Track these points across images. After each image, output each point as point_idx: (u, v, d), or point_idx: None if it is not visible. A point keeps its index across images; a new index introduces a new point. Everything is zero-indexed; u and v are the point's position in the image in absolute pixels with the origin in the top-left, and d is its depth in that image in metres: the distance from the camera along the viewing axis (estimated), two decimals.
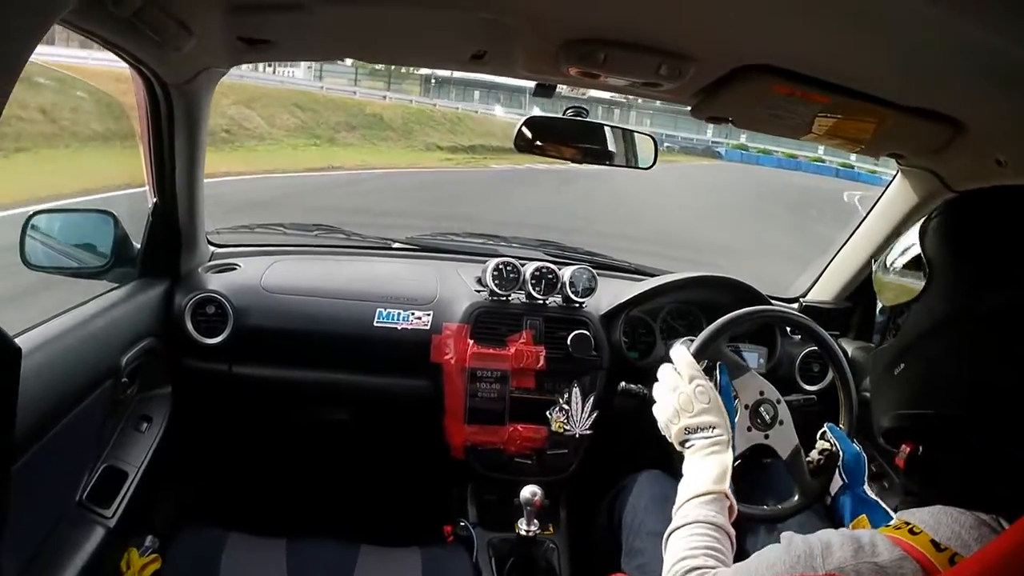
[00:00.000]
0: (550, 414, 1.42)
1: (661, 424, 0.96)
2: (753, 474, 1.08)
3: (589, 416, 1.43)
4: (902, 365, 0.66)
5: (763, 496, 1.07)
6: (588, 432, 1.43)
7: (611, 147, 1.42)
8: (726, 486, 0.85)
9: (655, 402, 1.31)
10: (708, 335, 1.08)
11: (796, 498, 1.11)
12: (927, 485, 0.64)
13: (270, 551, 1.23)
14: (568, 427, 1.43)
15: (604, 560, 1.29)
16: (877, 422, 0.69)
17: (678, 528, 0.81)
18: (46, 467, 0.92)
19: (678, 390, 0.94)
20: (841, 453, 1.04)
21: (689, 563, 0.75)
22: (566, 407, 1.43)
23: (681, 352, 0.98)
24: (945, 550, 0.57)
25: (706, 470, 0.86)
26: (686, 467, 0.89)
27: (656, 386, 0.98)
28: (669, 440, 0.95)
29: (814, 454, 1.10)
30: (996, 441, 0.58)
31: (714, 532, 0.79)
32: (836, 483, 1.05)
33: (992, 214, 0.65)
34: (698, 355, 1.04)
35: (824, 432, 1.10)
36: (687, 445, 0.91)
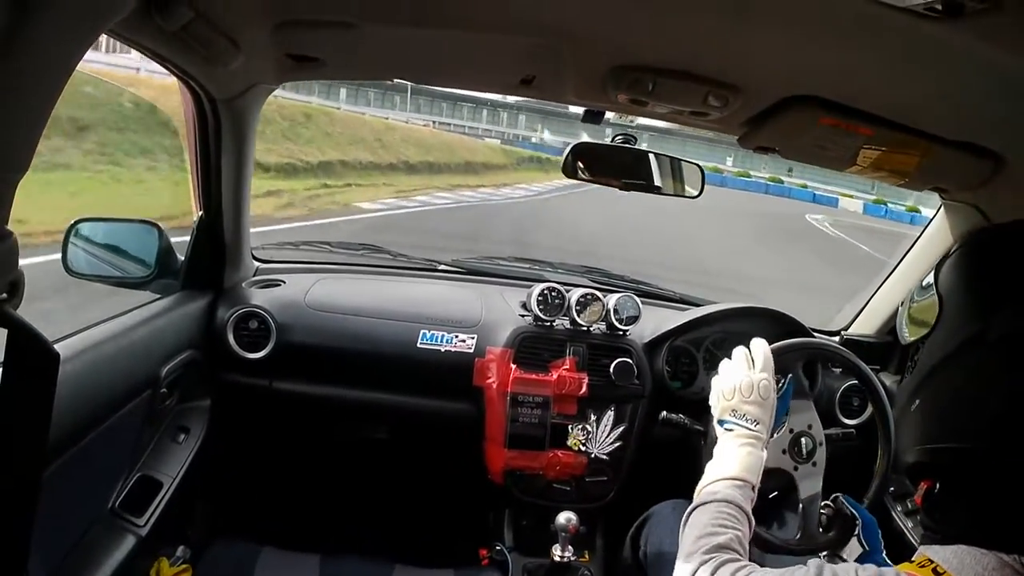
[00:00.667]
0: (571, 430, 1.41)
1: (712, 396, 0.96)
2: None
3: (612, 441, 1.42)
4: (917, 400, 0.66)
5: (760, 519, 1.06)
6: (605, 456, 1.42)
7: (658, 175, 1.42)
8: (753, 479, 0.84)
9: (697, 430, 1.31)
10: (787, 346, 1.09)
11: (798, 537, 1.09)
12: (945, 524, 0.63)
13: (303, 567, 1.23)
14: (585, 447, 1.41)
15: None
16: (901, 459, 0.69)
17: (704, 504, 0.80)
18: (80, 473, 0.92)
19: (745, 373, 0.94)
20: (859, 520, 1.04)
21: (716, 540, 0.74)
22: (589, 427, 1.42)
23: (762, 344, 0.98)
24: None
25: (740, 458, 0.86)
26: (718, 449, 0.89)
27: (725, 362, 0.98)
28: (712, 412, 0.95)
29: (825, 513, 1.09)
30: (1011, 475, 0.57)
31: (739, 515, 0.79)
32: (856, 550, 1.04)
33: (1004, 244, 0.66)
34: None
35: (837, 499, 1.09)
36: (726, 427, 0.91)
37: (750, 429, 0.89)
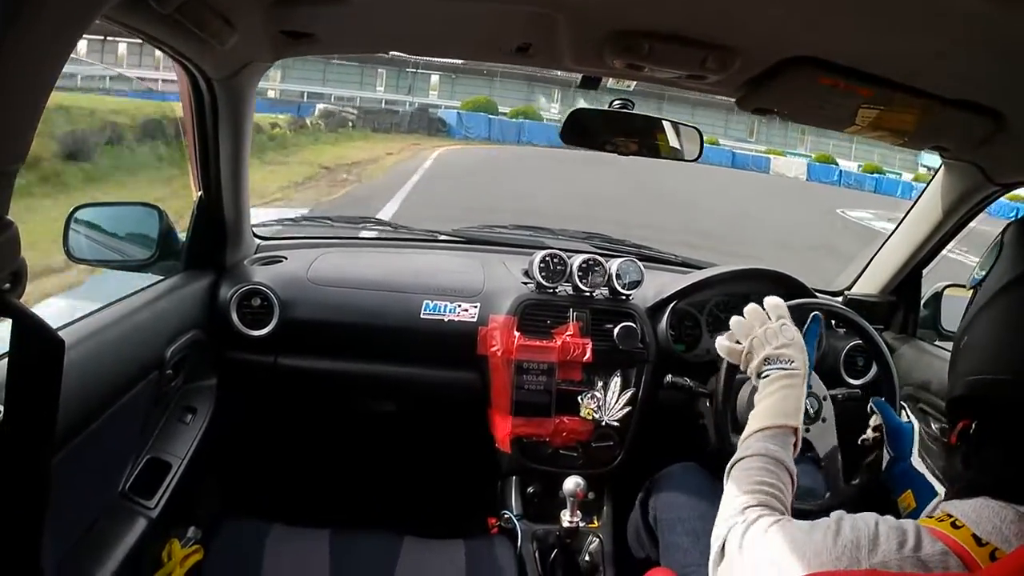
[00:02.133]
0: (581, 399, 1.41)
1: (742, 360, 0.97)
2: None
3: (622, 407, 1.43)
4: (965, 338, 0.69)
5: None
6: (616, 423, 1.42)
7: (657, 139, 1.41)
8: (797, 421, 0.85)
9: (702, 393, 1.31)
10: (791, 306, 1.09)
11: (827, 496, 1.10)
12: (973, 466, 0.64)
13: (313, 543, 1.23)
14: (597, 415, 1.42)
15: (640, 554, 1.28)
16: (948, 398, 0.71)
17: (739, 460, 0.82)
18: (89, 458, 0.92)
19: (764, 324, 0.96)
20: (888, 427, 1.06)
21: (745, 500, 0.75)
22: (599, 395, 1.42)
23: (773, 298, 1.00)
24: (986, 545, 0.57)
25: (776, 402, 0.87)
26: (758, 397, 0.90)
27: (736, 320, 0.99)
28: (748, 371, 0.96)
29: (869, 432, 1.10)
30: None
31: (773, 467, 0.79)
32: (884, 457, 1.05)
33: None
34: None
35: (870, 405, 1.10)
36: (762, 375, 0.92)
37: (786, 368, 0.91)
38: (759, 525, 0.70)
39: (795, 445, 0.84)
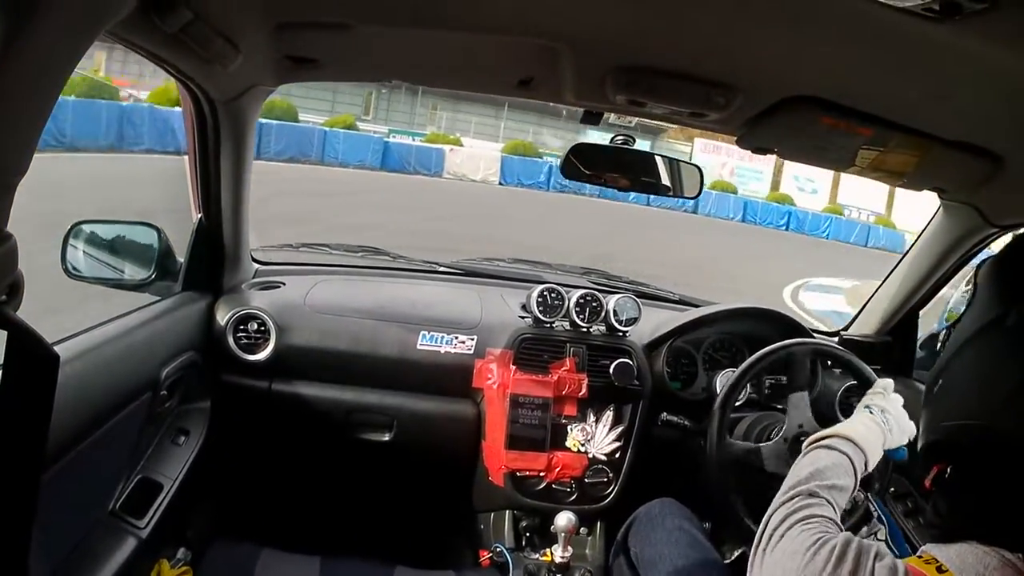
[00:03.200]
0: (570, 430, 1.41)
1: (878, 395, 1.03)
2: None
3: (611, 441, 1.42)
4: (940, 382, 0.69)
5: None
6: (603, 456, 1.42)
7: (658, 175, 1.42)
8: (867, 456, 0.87)
9: (697, 431, 1.32)
10: (786, 345, 1.21)
11: None
12: (951, 514, 0.64)
13: (303, 568, 1.22)
14: (584, 447, 1.41)
15: None
16: (920, 445, 0.71)
17: (824, 447, 0.85)
18: (80, 475, 0.92)
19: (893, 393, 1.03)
20: (884, 524, 1.10)
21: (811, 484, 0.77)
22: (588, 428, 1.42)
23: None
24: None
25: (866, 432, 0.91)
26: (853, 417, 0.98)
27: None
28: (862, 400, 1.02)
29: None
30: (1019, 457, 0.59)
31: (848, 470, 0.82)
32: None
33: None
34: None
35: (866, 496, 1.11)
36: (868, 409, 0.98)
37: (880, 423, 0.94)
38: (789, 522, 0.72)
39: (858, 472, 0.86)
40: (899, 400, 1.01)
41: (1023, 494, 0.58)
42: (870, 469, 0.88)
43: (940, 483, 0.66)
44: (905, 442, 0.97)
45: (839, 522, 0.73)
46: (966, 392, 0.65)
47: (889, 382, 1.04)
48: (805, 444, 0.89)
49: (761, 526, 0.74)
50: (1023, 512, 0.58)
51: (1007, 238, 1.12)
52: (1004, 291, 0.66)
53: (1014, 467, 0.59)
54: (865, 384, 1.27)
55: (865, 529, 1.14)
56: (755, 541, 0.74)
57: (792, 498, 0.76)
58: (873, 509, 1.10)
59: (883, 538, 1.10)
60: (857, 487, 0.85)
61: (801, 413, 1.21)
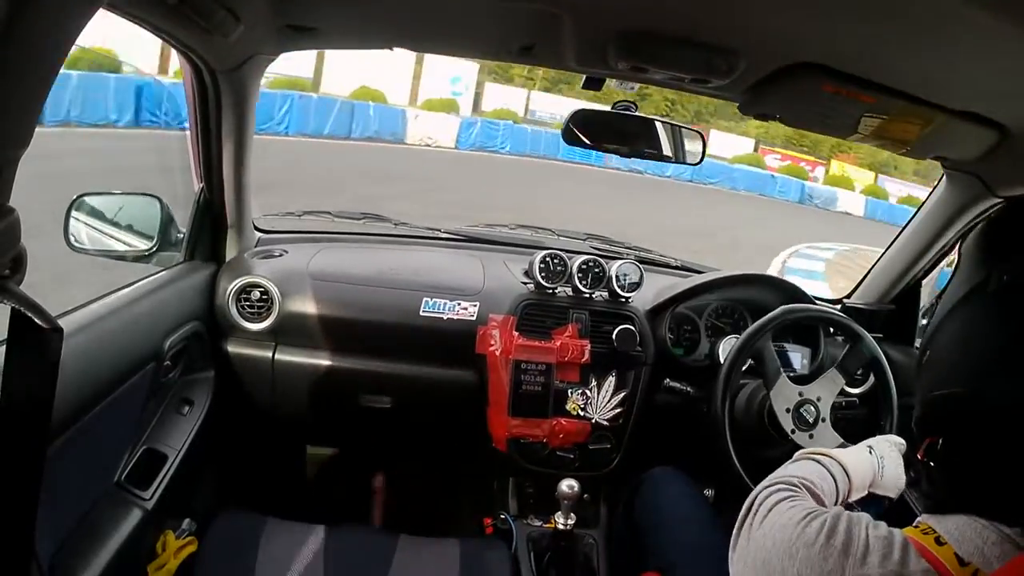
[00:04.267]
0: (572, 395, 1.41)
1: (886, 441, 1.00)
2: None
3: (613, 407, 1.43)
4: (928, 353, 0.68)
5: None
6: (605, 422, 1.42)
7: (659, 142, 1.41)
8: (853, 486, 0.88)
9: (699, 397, 1.32)
10: (788, 310, 1.18)
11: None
12: (946, 488, 0.63)
13: (308, 537, 1.22)
14: (584, 412, 1.42)
15: (628, 559, 1.28)
16: (915, 416, 0.70)
17: (811, 459, 0.86)
18: (86, 447, 0.92)
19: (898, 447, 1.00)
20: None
21: (791, 478, 0.78)
22: (589, 393, 1.42)
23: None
24: (968, 565, 0.57)
25: (859, 462, 0.91)
26: (854, 448, 0.96)
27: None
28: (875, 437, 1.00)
29: None
30: (1000, 422, 0.58)
31: (831, 480, 0.83)
32: None
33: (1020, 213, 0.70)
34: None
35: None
36: (872, 451, 0.96)
37: (875, 465, 0.93)
38: (772, 499, 0.72)
39: (842, 494, 0.86)
40: (900, 458, 0.99)
41: (1015, 466, 0.57)
42: (851, 500, 0.88)
43: (933, 455, 0.65)
44: (892, 496, 0.96)
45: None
46: (950, 361, 0.64)
47: (901, 441, 1.02)
48: (796, 454, 0.89)
49: (745, 505, 0.74)
50: (1017, 485, 0.58)
51: None
52: (986, 257, 0.66)
53: (1001, 436, 0.58)
54: (868, 352, 1.28)
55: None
56: (739, 518, 0.73)
57: (777, 483, 0.76)
58: None
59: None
60: (844, 497, 0.86)
61: (785, 391, 1.22)
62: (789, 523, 0.66)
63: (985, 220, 0.72)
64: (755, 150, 21.96)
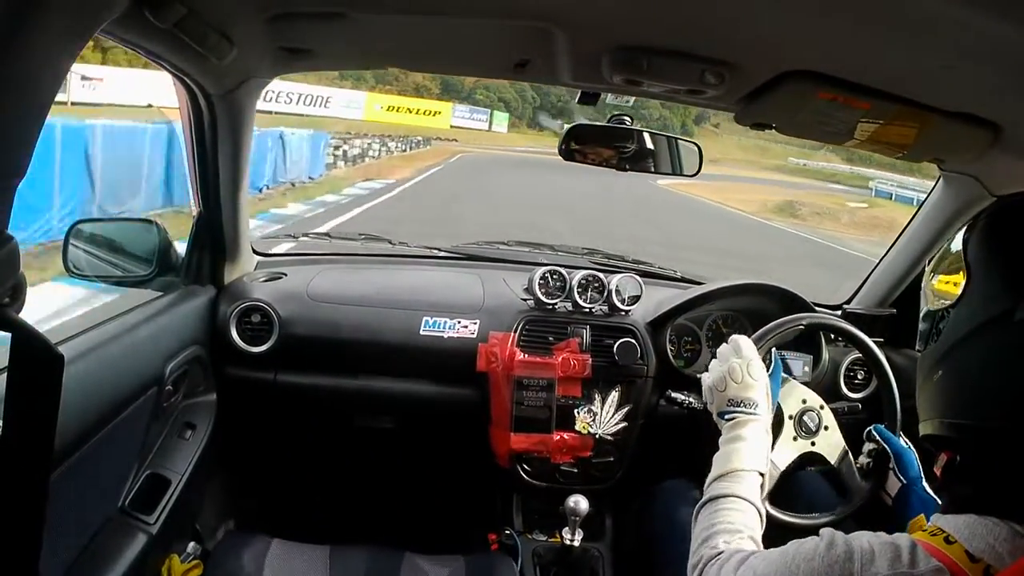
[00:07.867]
0: (577, 413, 1.41)
1: (706, 394, 0.97)
2: (787, 484, 1.08)
3: (617, 421, 1.42)
4: (940, 372, 0.66)
5: (794, 506, 1.06)
6: (610, 436, 1.42)
7: (655, 154, 1.41)
8: (760, 466, 0.85)
9: (702, 409, 1.31)
10: (788, 320, 1.13)
11: (847, 502, 1.10)
12: (965, 495, 0.63)
13: (313, 558, 1.22)
14: (592, 428, 1.41)
15: (636, 571, 1.28)
16: (920, 428, 0.69)
17: (708, 501, 0.82)
18: (89, 474, 0.92)
19: (730, 362, 0.95)
20: (891, 453, 1.05)
21: (719, 540, 0.75)
22: (595, 408, 1.42)
23: (741, 336, 1.00)
24: (979, 561, 0.57)
25: (740, 448, 0.86)
26: (722, 441, 0.90)
27: (712, 361, 0.99)
28: (711, 410, 0.96)
29: (862, 458, 1.10)
30: None
31: (739, 505, 0.79)
32: (895, 484, 1.05)
33: None
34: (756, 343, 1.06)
35: (870, 432, 1.10)
36: (727, 417, 0.91)
37: (749, 412, 0.90)
38: (735, 559, 0.69)
39: (762, 487, 0.83)
40: (723, 364, 0.96)
41: None
42: (766, 461, 0.86)
43: (951, 470, 0.65)
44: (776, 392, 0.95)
45: None
46: (973, 390, 0.62)
47: (723, 348, 0.99)
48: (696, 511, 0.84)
49: None
50: None
51: None
52: (1010, 278, 0.61)
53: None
54: (869, 355, 1.27)
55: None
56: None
57: (714, 548, 0.74)
58: (880, 444, 1.09)
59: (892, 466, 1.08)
60: (765, 483, 0.84)
61: (804, 388, 1.21)
62: (772, 553, 0.65)
63: (984, 222, 0.69)
64: None
